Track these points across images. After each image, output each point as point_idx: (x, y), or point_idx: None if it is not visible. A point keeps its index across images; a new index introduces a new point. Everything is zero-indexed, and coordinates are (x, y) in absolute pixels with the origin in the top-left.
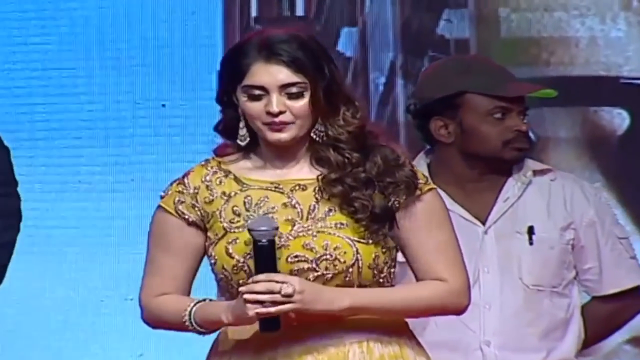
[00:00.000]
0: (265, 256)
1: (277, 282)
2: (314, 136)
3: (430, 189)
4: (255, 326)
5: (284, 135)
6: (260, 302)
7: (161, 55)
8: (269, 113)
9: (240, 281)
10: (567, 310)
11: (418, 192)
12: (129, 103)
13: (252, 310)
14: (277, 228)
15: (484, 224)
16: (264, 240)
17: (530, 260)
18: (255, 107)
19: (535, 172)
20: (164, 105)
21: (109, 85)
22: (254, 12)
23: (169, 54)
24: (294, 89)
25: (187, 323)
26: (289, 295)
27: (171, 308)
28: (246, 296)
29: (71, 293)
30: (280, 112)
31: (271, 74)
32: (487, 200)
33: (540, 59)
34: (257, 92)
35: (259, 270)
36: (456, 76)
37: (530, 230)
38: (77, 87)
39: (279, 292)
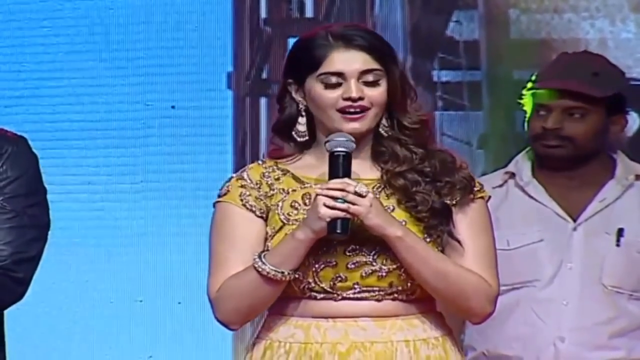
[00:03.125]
0: (340, 165)
1: (350, 184)
2: (381, 131)
3: (482, 197)
4: (301, 324)
5: (359, 125)
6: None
7: (171, 57)
8: (347, 99)
9: (297, 274)
10: None
11: (471, 196)
12: (139, 104)
13: (323, 207)
14: (353, 142)
15: (575, 220)
16: (339, 149)
17: (614, 261)
18: (331, 95)
19: (639, 177)
20: (173, 107)
21: (119, 86)
22: (263, 14)
23: (179, 56)
24: (371, 76)
25: (261, 268)
26: (362, 196)
27: (238, 275)
28: (318, 191)
29: (80, 294)
30: (360, 98)
31: (350, 60)
32: (583, 198)
33: (550, 61)
34: (334, 79)
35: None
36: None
37: (619, 232)
38: (87, 89)
39: (352, 192)
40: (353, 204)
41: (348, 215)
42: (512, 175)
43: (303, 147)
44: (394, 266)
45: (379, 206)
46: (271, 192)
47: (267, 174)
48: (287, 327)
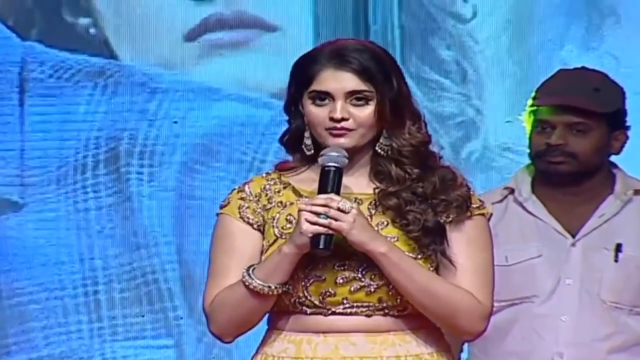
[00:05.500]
0: (329, 180)
1: (334, 200)
2: (379, 150)
3: (481, 214)
4: (293, 339)
5: (345, 141)
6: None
7: (174, 73)
8: (332, 119)
9: (288, 287)
10: None
11: (468, 213)
12: (142, 120)
13: (305, 222)
14: (346, 157)
15: (574, 236)
16: (330, 164)
17: (613, 277)
18: (319, 113)
19: (638, 192)
20: (175, 122)
21: (123, 101)
22: None
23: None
24: (359, 97)
25: (248, 282)
26: (345, 212)
27: (230, 288)
28: (301, 207)
29: None
30: (343, 119)
31: (339, 81)
32: (582, 214)
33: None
34: (322, 97)
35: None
36: (536, 89)
37: (618, 248)
38: (91, 103)
39: (335, 208)
40: (335, 219)
41: (330, 231)
42: (512, 191)
43: (308, 160)
44: (383, 282)
45: (363, 222)
46: (269, 205)
47: (268, 186)
48: (280, 341)
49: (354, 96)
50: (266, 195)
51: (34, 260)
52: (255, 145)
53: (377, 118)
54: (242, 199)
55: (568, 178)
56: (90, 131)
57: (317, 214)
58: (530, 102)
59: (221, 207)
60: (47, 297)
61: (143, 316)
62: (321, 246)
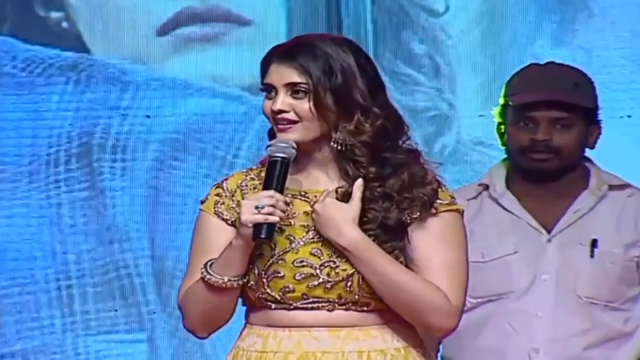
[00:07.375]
0: (276, 170)
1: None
2: (334, 144)
3: (447, 210)
4: (261, 333)
5: (288, 135)
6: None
7: (147, 67)
8: (272, 111)
9: (244, 279)
10: (625, 323)
11: (433, 210)
12: (115, 114)
13: (245, 213)
14: (294, 148)
15: (549, 232)
16: (277, 155)
17: (589, 272)
18: (267, 105)
19: (612, 187)
20: (148, 117)
21: (95, 95)
22: None
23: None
24: (297, 89)
25: (204, 275)
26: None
27: (196, 283)
28: (243, 202)
29: None
30: (282, 111)
31: (279, 74)
32: (557, 210)
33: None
34: (269, 90)
35: (266, 187)
36: (507, 83)
37: (593, 243)
38: (63, 97)
39: (273, 205)
40: (281, 210)
41: (270, 220)
42: (486, 187)
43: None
44: (339, 278)
45: (322, 219)
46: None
47: (245, 183)
48: (251, 336)
49: (292, 89)
50: (241, 191)
51: (6, 255)
52: (228, 140)
53: (316, 111)
54: (218, 195)
55: (550, 174)
56: (62, 125)
57: (257, 206)
58: (503, 98)
59: (201, 203)
60: (20, 291)
61: (116, 310)
62: (262, 235)
